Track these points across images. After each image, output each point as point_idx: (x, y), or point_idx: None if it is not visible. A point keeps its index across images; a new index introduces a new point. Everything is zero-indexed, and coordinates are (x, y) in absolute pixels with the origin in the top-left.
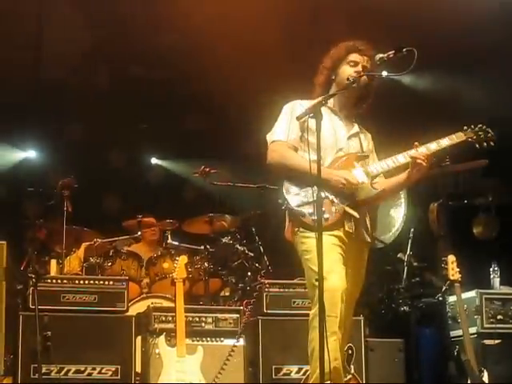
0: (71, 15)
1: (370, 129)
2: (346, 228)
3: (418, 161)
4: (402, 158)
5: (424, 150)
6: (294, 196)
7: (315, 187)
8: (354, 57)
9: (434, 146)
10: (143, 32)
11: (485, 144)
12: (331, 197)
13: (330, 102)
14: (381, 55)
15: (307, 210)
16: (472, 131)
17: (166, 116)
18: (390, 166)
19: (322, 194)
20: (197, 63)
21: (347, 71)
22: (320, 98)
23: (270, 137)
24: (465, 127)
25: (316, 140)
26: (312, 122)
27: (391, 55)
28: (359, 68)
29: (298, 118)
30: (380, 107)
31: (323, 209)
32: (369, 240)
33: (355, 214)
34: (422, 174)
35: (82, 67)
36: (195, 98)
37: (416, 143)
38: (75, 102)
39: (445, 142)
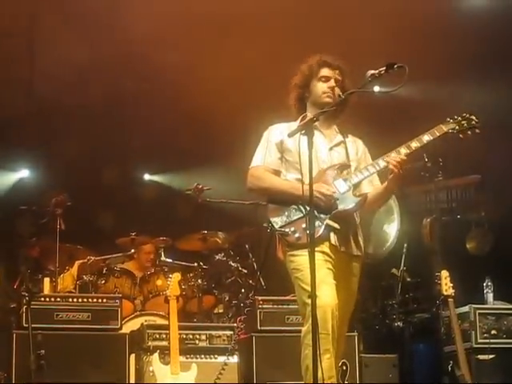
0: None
1: (361, 136)
2: (332, 242)
3: (390, 166)
4: (382, 163)
5: (404, 150)
6: (277, 217)
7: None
8: (325, 72)
9: (414, 144)
10: (138, 49)
11: (469, 132)
12: (316, 212)
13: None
14: (372, 71)
15: (289, 228)
16: (454, 121)
17: (159, 133)
18: (371, 172)
19: (303, 211)
20: (192, 80)
21: (320, 87)
22: (312, 116)
23: (252, 163)
24: (447, 119)
25: (303, 158)
26: (289, 142)
27: (382, 72)
28: (332, 83)
29: (289, 135)
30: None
31: (303, 226)
32: (358, 253)
33: (336, 225)
34: (399, 179)
35: (76, 85)
36: (189, 115)
37: (398, 149)
38: (68, 120)
39: (425, 137)
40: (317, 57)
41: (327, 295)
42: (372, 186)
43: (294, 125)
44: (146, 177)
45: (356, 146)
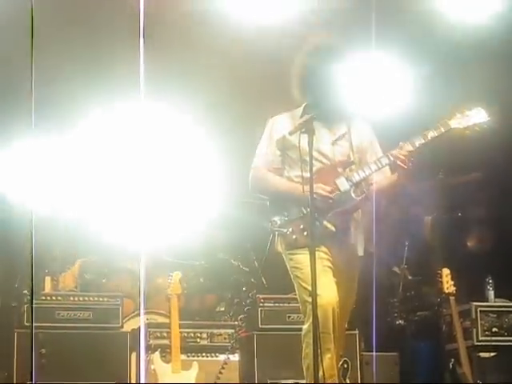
0: None
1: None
2: (329, 243)
3: (398, 162)
4: (385, 160)
5: (409, 147)
6: (277, 216)
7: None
8: None
9: (419, 141)
10: None
11: (476, 128)
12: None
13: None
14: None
15: (288, 228)
16: (461, 116)
17: None
18: (373, 170)
19: (304, 211)
20: None
21: None
22: (312, 114)
23: (253, 163)
24: (455, 114)
25: (305, 156)
26: (293, 138)
27: None
28: None
29: (290, 134)
30: None
31: (301, 226)
32: (357, 253)
33: (332, 227)
34: (406, 175)
35: None
36: None
37: (401, 143)
38: None
39: (430, 134)
40: (315, 47)
41: (328, 294)
42: (382, 174)
43: (298, 113)
44: None
45: (361, 134)
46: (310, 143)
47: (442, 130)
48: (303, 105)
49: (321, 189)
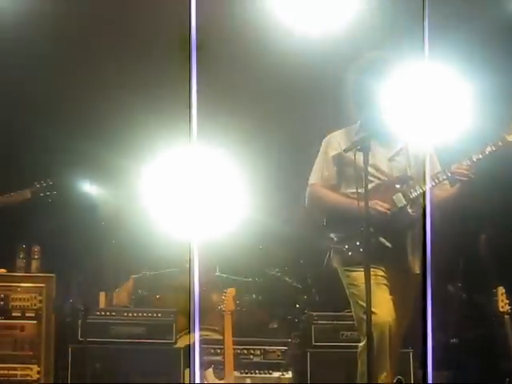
0: None
1: None
2: (386, 260)
3: (459, 177)
4: (442, 176)
5: (467, 162)
6: (334, 233)
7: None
8: None
9: (476, 156)
10: None
11: None
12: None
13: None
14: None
15: (344, 245)
16: None
17: None
18: (430, 185)
19: (360, 227)
20: None
21: None
22: (368, 132)
23: (309, 180)
24: None
25: (361, 173)
26: (348, 154)
27: None
28: None
29: (345, 151)
30: None
31: (357, 243)
32: (413, 270)
33: (388, 244)
34: (467, 187)
35: None
36: None
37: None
38: None
39: (488, 149)
40: (369, 62)
41: (384, 312)
42: (439, 190)
43: (354, 129)
44: None
45: (418, 149)
46: (366, 162)
47: (500, 144)
48: (359, 121)
49: (378, 205)
